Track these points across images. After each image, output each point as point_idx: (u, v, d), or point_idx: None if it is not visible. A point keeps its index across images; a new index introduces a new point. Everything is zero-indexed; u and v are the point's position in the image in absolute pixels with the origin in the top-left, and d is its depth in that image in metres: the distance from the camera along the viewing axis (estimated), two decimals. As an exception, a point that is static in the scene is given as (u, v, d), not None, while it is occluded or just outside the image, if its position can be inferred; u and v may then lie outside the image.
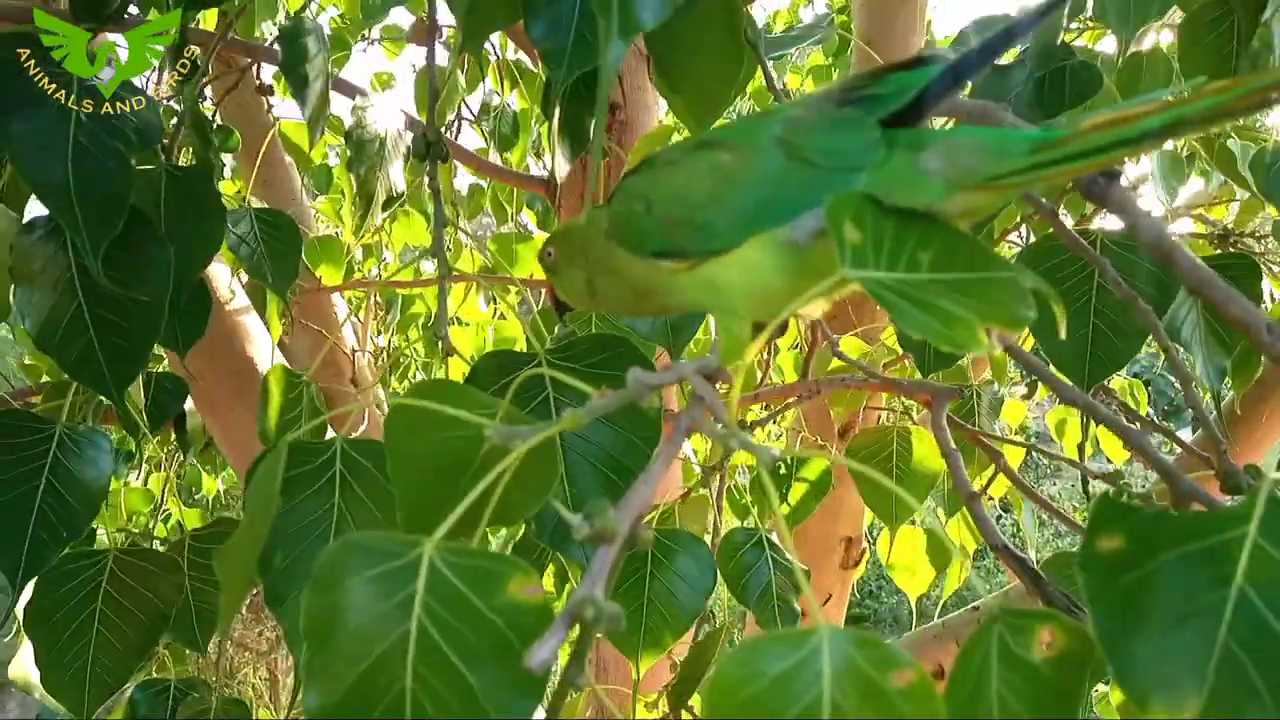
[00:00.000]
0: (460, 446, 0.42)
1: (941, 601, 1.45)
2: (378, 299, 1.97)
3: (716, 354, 0.36)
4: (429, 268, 2.09)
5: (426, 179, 0.68)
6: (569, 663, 0.30)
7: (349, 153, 0.66)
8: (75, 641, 0.64)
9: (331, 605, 0.31)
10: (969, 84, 0.38)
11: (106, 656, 0.64)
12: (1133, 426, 0.46)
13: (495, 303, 1.97)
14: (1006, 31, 0.36)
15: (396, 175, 0.69)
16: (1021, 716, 0.27)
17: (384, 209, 0.71)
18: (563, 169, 0.60)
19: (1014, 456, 1.24)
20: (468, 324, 1.98)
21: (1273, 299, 1.44)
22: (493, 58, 1.55)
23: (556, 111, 0.62)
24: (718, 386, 0.38)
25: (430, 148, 0.63)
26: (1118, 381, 1.58)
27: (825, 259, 0.34)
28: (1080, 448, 0.89)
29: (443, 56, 1.34)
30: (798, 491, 1.10)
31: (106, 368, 0.57)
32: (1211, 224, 1.39)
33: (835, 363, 1.16)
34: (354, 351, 1.70)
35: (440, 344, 0.58)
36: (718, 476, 0.87)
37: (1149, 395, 1.81)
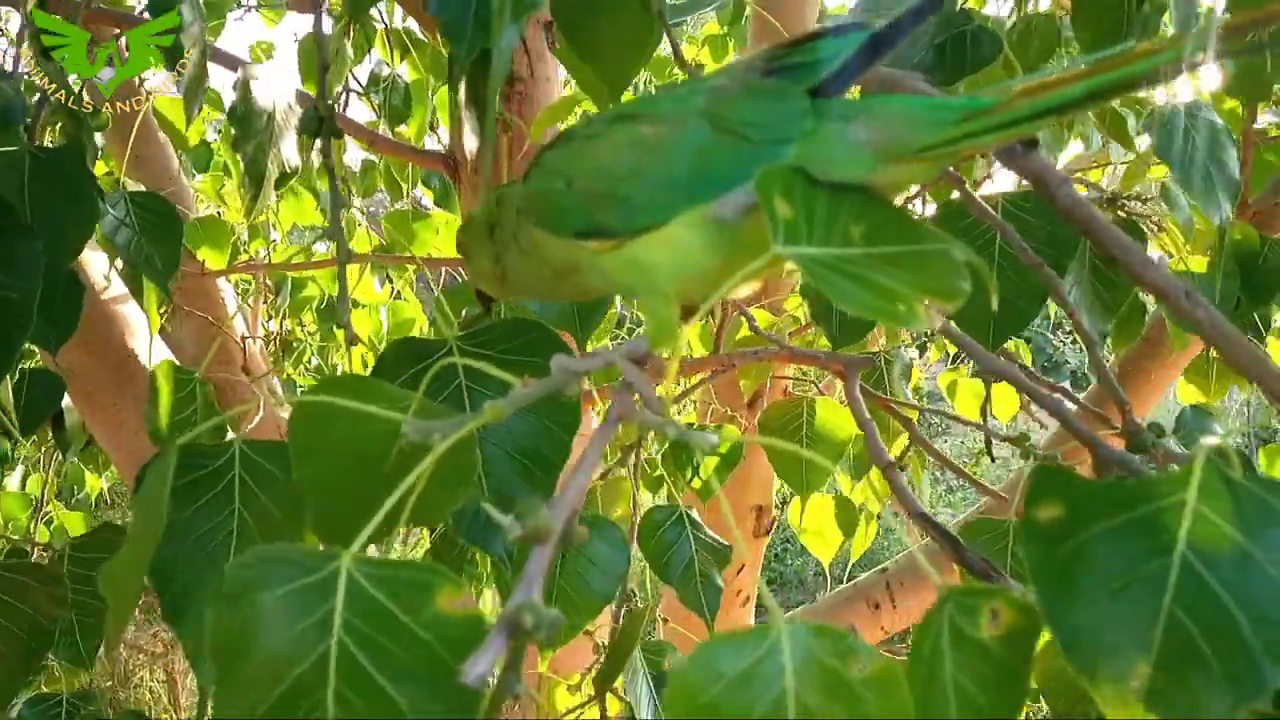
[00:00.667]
0: (371, 444, 0.40)
1: (850, 564, 1.48)
2: (267, 282, 1.89)
3: (644, 338, 0.34)
4: (321, 248, 2.01)
5: (318, 157, 0.64)
6: (504, 670, 0.28)
7: (233, 130, 0.62)
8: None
9: (241, 624, 0.28)
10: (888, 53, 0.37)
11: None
12: (1050, 394, 0.47)
13: (390, 283, 1.91)
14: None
15: (290, 151, 0.65)
16: (975, 697, 0.27)
17: (276, 188, 0.67)
18: (470, 144, 0.57)
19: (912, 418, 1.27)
20: (364, 306, 1.92)
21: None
22: (380, 25, 1.49)
23: (461, 86, 0.59)
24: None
25: (322, 124, 0.59)
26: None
27: (756, 236, 0.32)
28: (984, 410, 0.91)
29: (327, 24, 1.28)
30: (709, 465, 1.11)
31: (-29, 370, 0.52)
32: (1093, 186, 1.44)
33: (743, 333, 1.17)
34: (244, 338, 1.62)
35: (343, 331, 0.55)
36: (634, 455, 0.86)
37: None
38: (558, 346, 0.48)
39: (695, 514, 0.78)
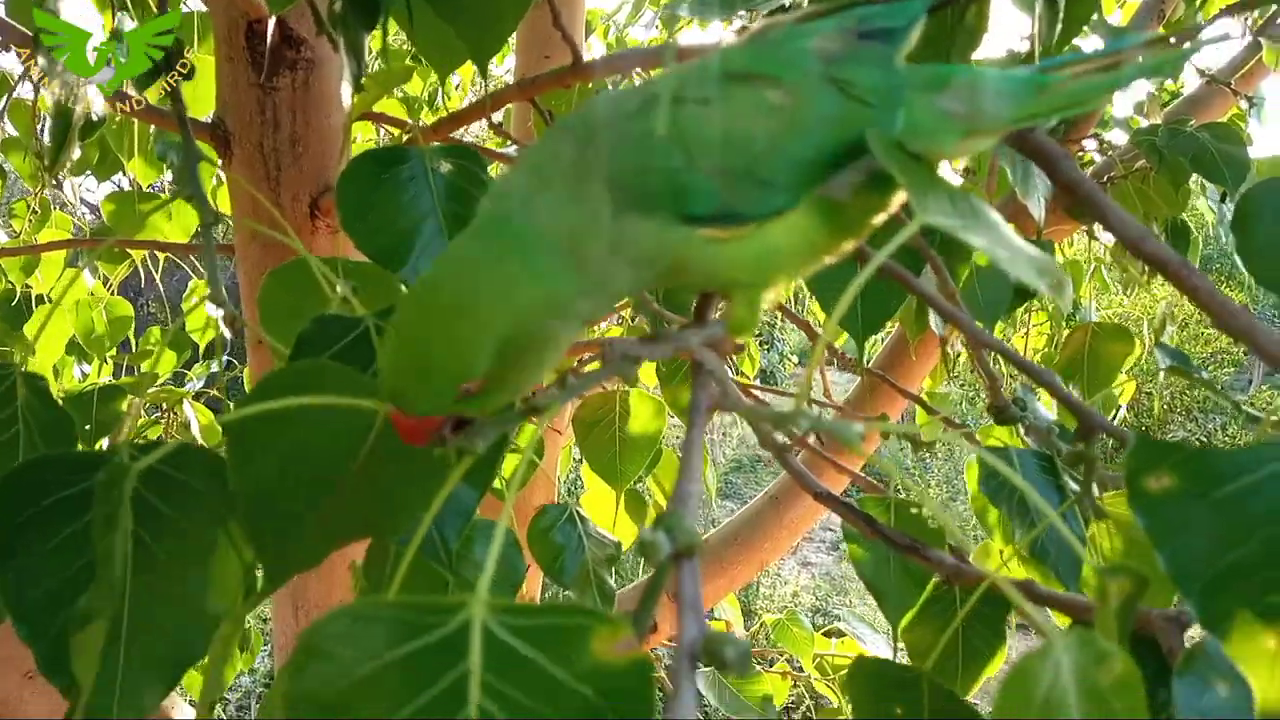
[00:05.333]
0: (332, 442, 0.33)
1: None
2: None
3: (722, 324, 0.31)
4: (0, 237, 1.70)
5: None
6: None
7: (38, 69, 0.49)
8: None
9: (334, 705, 0.22)
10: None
11: None
12: (1043, 368, 0.49)
13: (101, 277, 1.65)
14: None
15: (95, 96, 0.52)
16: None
17: (81, 138, 0.54)
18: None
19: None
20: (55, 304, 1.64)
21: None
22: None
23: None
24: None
25: (169, 57, 0.49)
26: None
27: (861, 213, 0.30)
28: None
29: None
30: (511, 463, 1.06)
31: None
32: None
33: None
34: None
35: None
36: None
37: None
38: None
39: (583, 510, 0.74)
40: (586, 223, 0.29)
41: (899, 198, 0.31)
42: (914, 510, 0.63)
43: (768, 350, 6.04)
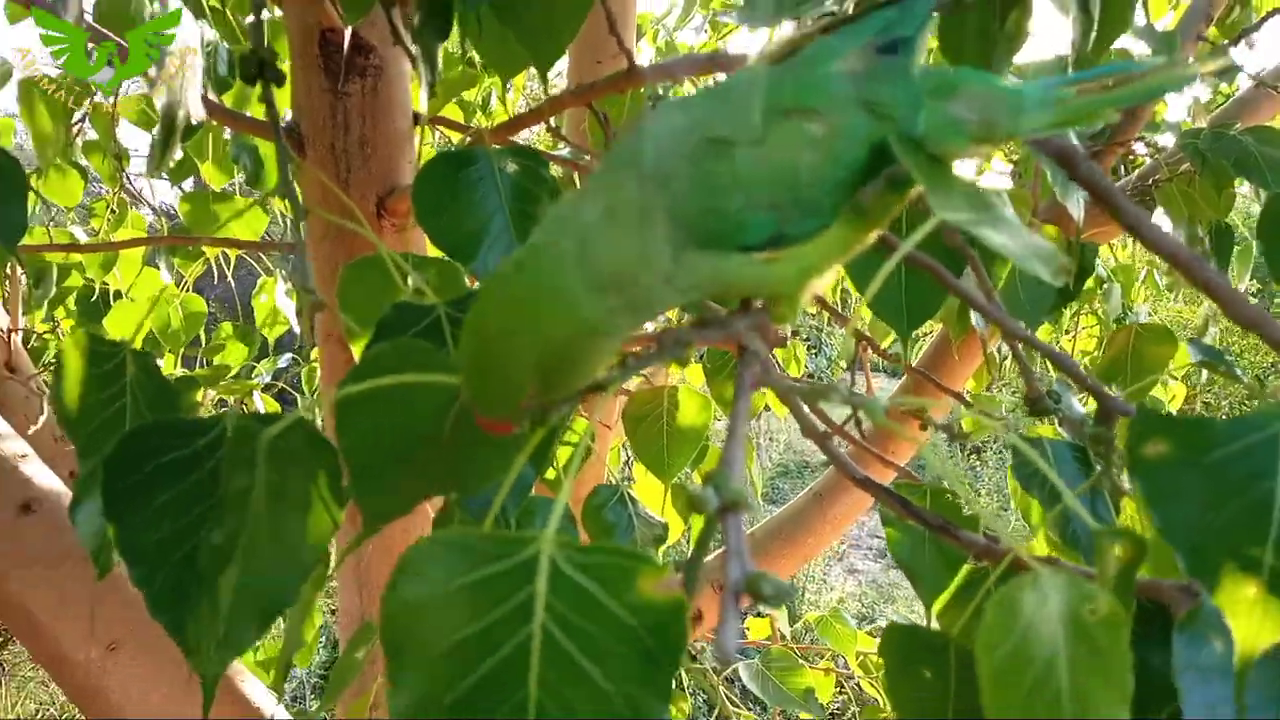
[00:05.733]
0: (423, 410, 0.38)
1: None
2: (20, 273, 1.65)
3: (766, 313, 0.35)
4: (81, 235, 1.79)
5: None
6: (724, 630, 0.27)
7: (150, 74, 0.54)
8: None
9: (422, 614, 0.26)
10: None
11: None
12: (1064, 354, 0.52)
13: (177, 273, 1.73)
14: None
15: (195, 103, 0.57)
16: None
17: (183, 140, 0.59)
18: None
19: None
20: (133, 299, 1.72)
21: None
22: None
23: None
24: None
25: (263, 68, 0.53)
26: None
27: (882, 212, 0.34)
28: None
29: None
30: (564, 456, 1.10)
31: None
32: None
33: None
34: (9, 332, 1.42)
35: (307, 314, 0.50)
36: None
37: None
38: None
39: (634, 493, 0.78)
40: (644, 258, 0.32)
41: (912, 194, 0.34)
42: (949, 497, 0.66)
43: (815, 355, 6.03)
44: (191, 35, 0.56)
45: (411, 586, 0.26)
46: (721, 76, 0.65)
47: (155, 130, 0.57)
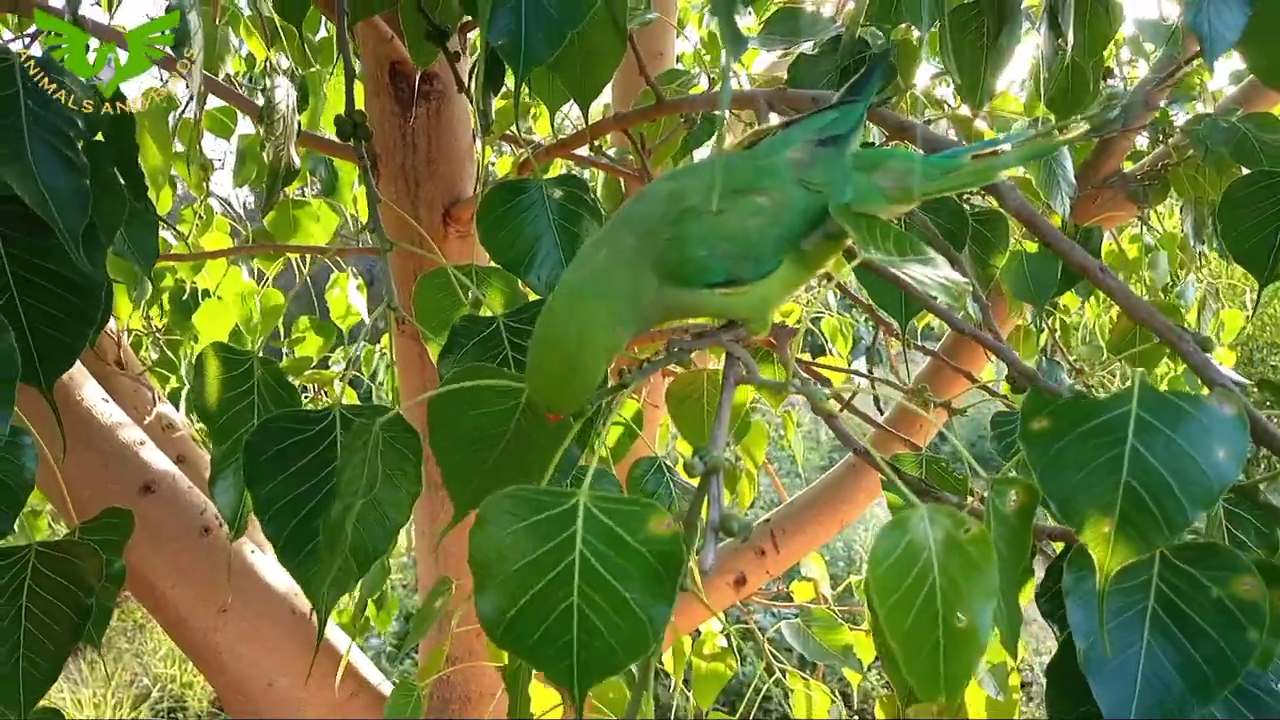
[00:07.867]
0: (493, 417, 0.49)
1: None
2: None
3: (745, 328, 0.46)
4: (170, 239, 1.95)
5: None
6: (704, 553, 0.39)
7: (261, 128, 0.66)
8: (3, 642, 0.62)
9: (497, 546, 0.38)
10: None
11: (37, 654, 0.63)
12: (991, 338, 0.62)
13: (256, 275, 1.89)
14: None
15: (293, 153, 0.70)
16: (1002, 550, 0.40)
17: (284, 184, 0.71)
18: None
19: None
20: (220, 298, 1.89)
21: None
22: (245, 13, 1.48)
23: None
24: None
25: (356, 129, 0.65)
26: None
27: (820, 256, 0.45)
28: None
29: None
30: (614, 434, 1.22)
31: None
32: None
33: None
34: (119, 333, 1.58)
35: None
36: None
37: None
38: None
39: (669, 463, 0.90)
40: (640, 288, 0.44)
41: (846, 242, 0.45)
42: (942, 464, 0.76)
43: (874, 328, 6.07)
44: (291, 95, 0.68)
45: (489, 528, 0.38)
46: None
47: (266, 178, 0.69)
